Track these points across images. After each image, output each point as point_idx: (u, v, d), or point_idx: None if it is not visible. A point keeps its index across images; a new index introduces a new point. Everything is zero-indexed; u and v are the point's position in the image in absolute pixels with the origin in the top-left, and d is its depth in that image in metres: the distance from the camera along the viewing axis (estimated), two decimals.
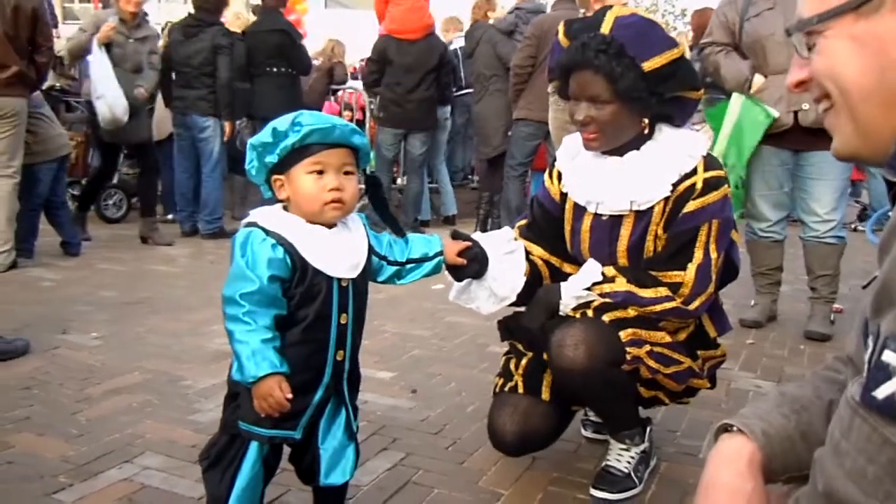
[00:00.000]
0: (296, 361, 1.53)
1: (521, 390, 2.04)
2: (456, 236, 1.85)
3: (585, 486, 2.06)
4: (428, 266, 1.78)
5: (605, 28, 1.85)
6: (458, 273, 1.87)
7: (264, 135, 1.53)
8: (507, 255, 1.94)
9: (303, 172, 1.53)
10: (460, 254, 1.82)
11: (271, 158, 1.53)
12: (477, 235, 1.94)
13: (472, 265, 1.85)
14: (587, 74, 1.85)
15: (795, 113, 3.44)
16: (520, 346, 2.12)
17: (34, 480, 2.02)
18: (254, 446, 1.58)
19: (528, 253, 2.05)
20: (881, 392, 0.73)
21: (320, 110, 6.94)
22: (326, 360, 1.58)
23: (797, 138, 3.48)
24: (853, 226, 6.95)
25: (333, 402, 1.63)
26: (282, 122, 1.52)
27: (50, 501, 1.92)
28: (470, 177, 9.15)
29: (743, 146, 3.52)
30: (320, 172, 1.53)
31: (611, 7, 1.94)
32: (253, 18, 7.06)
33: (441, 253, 1.79)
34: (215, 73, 5.76)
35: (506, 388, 2.07)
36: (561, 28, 1.96)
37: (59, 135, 4.95)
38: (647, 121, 1.92)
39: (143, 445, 2.25)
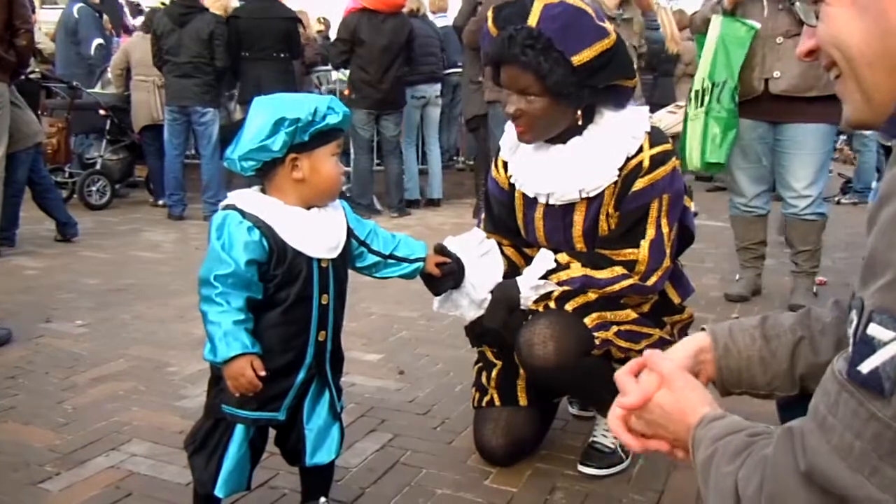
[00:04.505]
0: (277, 342, 1.55)
1: (497, 403, 2.07)
2: (439, 251, 1.87)
3: (573, 462, 2.07)
4: (407, 267, 1.81)
5: (532, 20, 1.76)
6: (433, 286, 1.90)
7: (302, 111, 1.50)
8: (482, 257, 1.96)
9: (328, 154, 1.56)
10: (437, 265, 1.85)
11: (302, 137, 1.52)
12: (450, 240, 1.96)
13: (448, 280, 1.88)
14: (515, 69, 1.80)
15: (766, 80, 3.42)
16: (489, 354, 2.13)
17: (20, 469, 2.01)
18: (239, 429, 1.58)
19: (500, 246, 2.05)
20: (866, 366, 0.73)
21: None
22: (308, 341, 1.58)
23: (770, 108, 3.46)
24: (836, 199, 6.98)
25: (317, 382, 1.63)
26: (321, 103, 1.52)
27: (37, 490, 1.92)
28: (456, 157, 9.13)
29: (732, 61, 3.46)
30: (334, 156, 1.58)
31: None
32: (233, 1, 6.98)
33: (422, 259, 1.82)
34: (212, 60, 5.71)
35: (483, 403, 2.09)
36: (490, 14, 1.87)
37: (32, 121, 4.88)
38: (580, 113, 1.87)
39: (130, 432, 2.24)
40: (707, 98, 3.50)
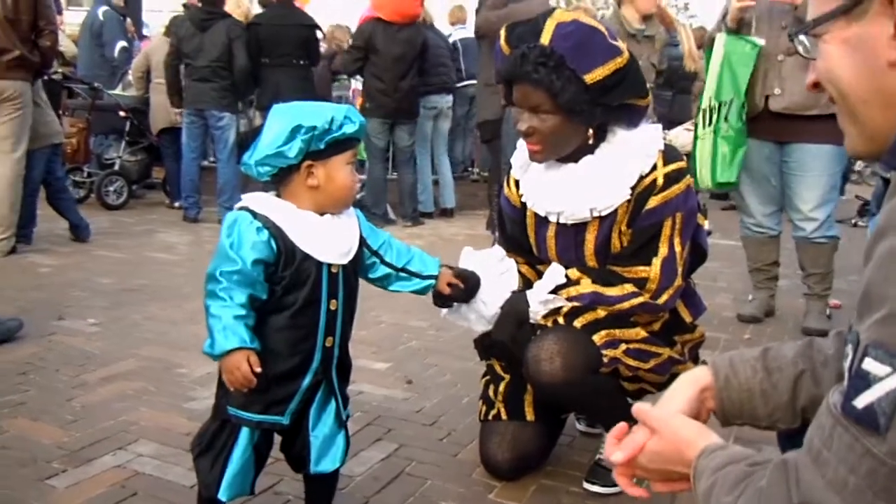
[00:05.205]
0: (284, 346, 1.56)
1: (504, 417, 2.06)
2: (460, 275, 1.88)
3: (579, 479, 2.06)
4: (418, 283, 1.80)
5: (545, 38, 1.77)
6: (439, 300, 1.90)
7: (319, 120, 1.52)
8: (500, 276, 1.95)
9: (343, 163, 1.58)
10: (449, 285, 1.84)
11: (318, 145, 1.53)
12: (469, 254, 1.95)
13: (456, 297, 1.88)
14: (527, 87, 1.80)
15: (767, 98, 3.40)
16: (497, 368, 2.13)
17: (28, 465, 2.02)
18: (244, 432, 1.58)
19: (515, 264, 2.04)
20: (861, 401, 0.72)
21: (329, 100, 6.94)
22: (315, 346, 1.58)
23: (771, 126, 3.43)
24: (853, 221, 6.93)
25: (323, 390, 1.63)
26: (337, 112, 1.54)
27: (43, 487, 1.93)
28: (470, 169, 9.15)
29: (738, 79, 3.44)
30: (349, 164, 1.60)
31: (553, 11, 1.85)
32: (252, 6, 7.03)
33: (434, 277, 1.81)
34: (230, 64, 5.77)
35: (489, 417, 2.09)
36: (503, 33, 1.88)
37: (53, 121, 4.93)
38: (591, 131, 1.87)
39: (138, 432, 2.25)
40: (715, 117, 3.49)
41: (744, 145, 3.52)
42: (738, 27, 3.44)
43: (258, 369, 1.48)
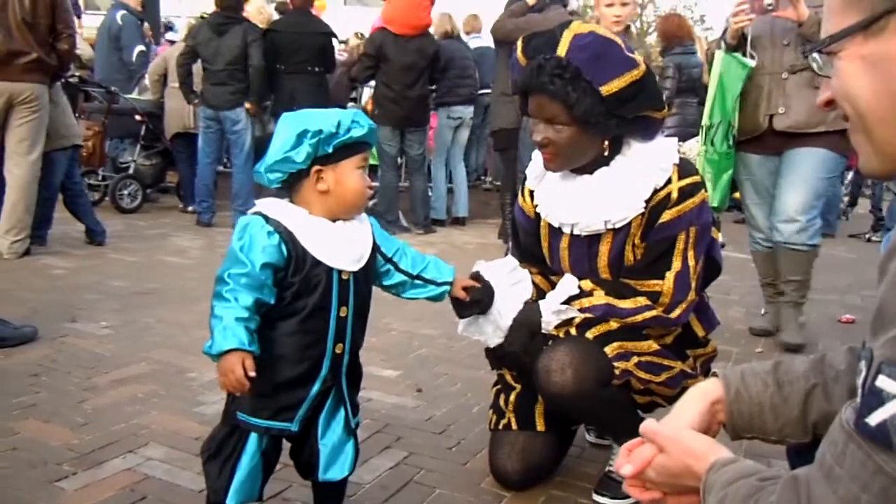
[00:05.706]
0: (293, 352, 1.56)
1: (514, 427, 2.06)
2: (473, 278, 1.88)
3: (588, 490, 2.05)
4: (434, 290, 1.80)
5: (561, 49, 1.77)
6: (458, 309, 1.90)
7: (325, 124, 1.52)
8: (513, 286, 1.95)
9: (353, 167, 1.58)
10: (465, 289, 1.84)
11: (326, 149, 1.54)
12: (482, 265, 1.95)
13: (474, 306, 1.88)
14: (543, 98, 1.81)
15: (770, 117, 3.35)
16: (508, 377, 2.12)
17: (38, 467, 2.03)
18: (253, 438, 1.58)
19: (528, 274, 2.04)
20: (874, 418, 0.72)
21: (344, 107, 6.97)
22: (324, 353, 1.58)
23: (777, 143, 3.39)
24: (867, 236, 6.90)
25: (333, 397, 1.63)
26: (344, 116, 1.55)
27: (53, 489, 1.93)
28: (483, 177, 9.16)
29: (727, 100, 3.41)
30: (359, 169, 1.60)
31: (570, 23, 1.85)
32: (273, 13, 7.07)
33: (449, 283, 1.81)
34: (247, 67, 5.81)
35: (500, 426, 2.08)
36: (519, 44, 1.88)
37: (73, 123, 4.97)
38: (607, 143, 1.86)
39: (148, 436, 2.26)
40: (706, 138, 3.47)
41: (729, 169, 3.49)
42: (738, 44, 3.41)
43: (252, 373, 1.46)
